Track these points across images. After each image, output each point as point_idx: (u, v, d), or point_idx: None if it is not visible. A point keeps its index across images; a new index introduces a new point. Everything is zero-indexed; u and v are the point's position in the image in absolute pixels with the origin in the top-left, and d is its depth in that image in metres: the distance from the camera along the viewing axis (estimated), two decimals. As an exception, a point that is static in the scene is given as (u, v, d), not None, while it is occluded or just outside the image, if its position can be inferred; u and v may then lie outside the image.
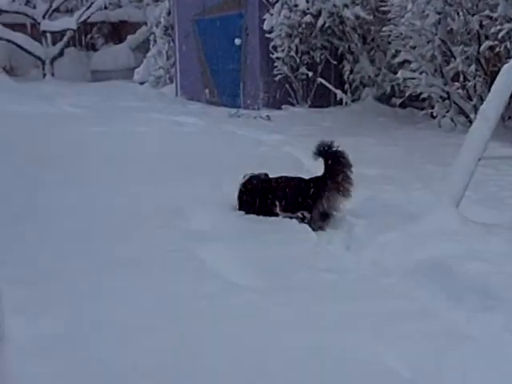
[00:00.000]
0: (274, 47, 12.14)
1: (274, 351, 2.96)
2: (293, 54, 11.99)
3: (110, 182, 6.27)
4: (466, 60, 9.22)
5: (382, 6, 10.70)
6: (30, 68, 21.42)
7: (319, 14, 11.55)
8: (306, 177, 5.19)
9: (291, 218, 5.04)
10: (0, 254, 4.14)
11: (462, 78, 9.47)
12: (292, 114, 11.87)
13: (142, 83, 18.21)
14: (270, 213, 5.12)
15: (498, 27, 8.43)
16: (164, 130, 9.86)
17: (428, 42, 9.53)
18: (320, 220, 4.98)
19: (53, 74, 21.06)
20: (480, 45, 8.97)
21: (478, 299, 3.39)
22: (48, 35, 21.15)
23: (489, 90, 4.88)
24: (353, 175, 4.96)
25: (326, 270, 4.03)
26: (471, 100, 9.38)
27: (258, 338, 3.08)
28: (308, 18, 11.62)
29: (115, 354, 2.91)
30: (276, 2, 11.95)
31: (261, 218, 5.11)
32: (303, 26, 11.80)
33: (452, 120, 9.67)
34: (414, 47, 9.76)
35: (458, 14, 9.24)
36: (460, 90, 9.52)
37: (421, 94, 9.94)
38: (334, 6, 11.27)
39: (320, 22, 11.54)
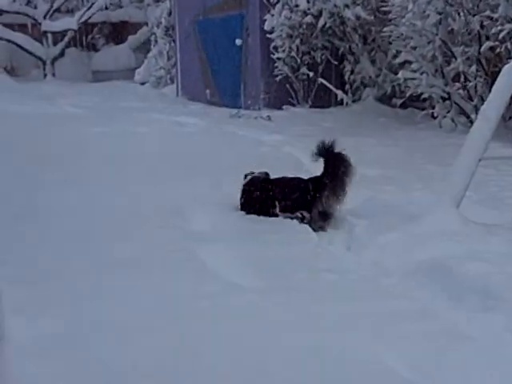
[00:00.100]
0: (275, 48, 12.13)
1: (274, 351, 2.96)
2: (293, 54, 11.98)
3: (110, 182, 6.27)
4: (466, 60, 9.22)
5: (382, 7, 10.69)
6: (30, 68, 21.41)
7: (320, 14, 11.55)
8: (306, 177, 5.20)
9: (291, 218, 5.05)
10: (0, 253, 4.14)
11: (462, 79, 9.46)
12: (293, 115, 11.87)
13: (142, 83, 18.20)
14: (271, 213, 5.13)
15: (499, 28, 8.43)
16: (165, 131, 9.86)
17: (429, 43, 9.53)
18: (320, 220, 4.98)
19: (54, 75, 21.06)
20: (481, 45, 8.96)
21: (479, 299, 3.39)
22: (49, 35, 21.14)
23: (489, 91, 4.87)
24: (355, 175, 4.96)
25: (326, 270, 4.04)
26: (472, 100, 9.38)
27: (258, 338, 3.08)
28: (309, 19, 11.61)
29: (115, 354, 2.91)
30: (277, 2, 11.95)
31: (261, 218, 5.11)
32: (304, 26, 11.80)
33: (453, 120, 9.67)
34: (414, 48, 9.76)
35: (458, 14, 9.23)
36: (461, 91, 9.52)
37: (421, 94, 9.93)
38: (335, 6, 11.26)
39: (321, 22, 11.54)
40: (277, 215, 5.12)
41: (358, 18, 11.30)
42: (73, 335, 3.09)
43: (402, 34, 9.86)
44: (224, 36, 13.79)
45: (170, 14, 17.25)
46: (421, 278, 3.82)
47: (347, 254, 4.51)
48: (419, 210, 4.63)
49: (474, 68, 9.13)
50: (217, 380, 2.75)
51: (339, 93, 11.95)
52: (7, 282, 3.56)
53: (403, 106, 11.21)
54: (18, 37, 20.57)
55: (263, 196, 5.20)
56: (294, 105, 12.52)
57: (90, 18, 21.13)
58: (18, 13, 20.81)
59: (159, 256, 4.21)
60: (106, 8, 21.37)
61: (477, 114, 5.53)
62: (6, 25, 20.46)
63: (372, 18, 11.38)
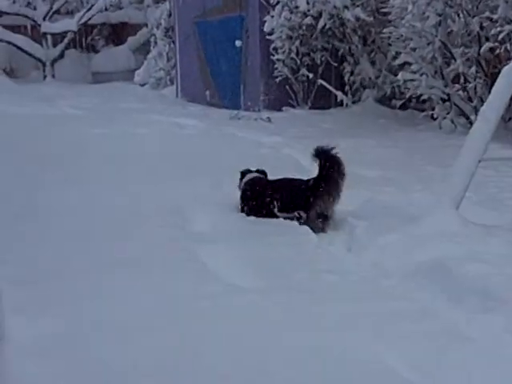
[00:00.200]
0: (275, 49, 12.13)
1: (275, 351, 2.96)
2: (293, 55, 11.98)
3: (111, 182, 6.28)
4: (466, 62, 9.22)
5: (382, 8, 10.69)
6: (30, 70, 21.40)
7: (320, 15, 11.54)
8: (304, 178, 5.22)
9: (288, 218, 5.08)
10: (0, 253, 4.14)
11: (462, 80, 9.46)
12: (292, 116, 11.87)
13: (142, 85, 18.20)
14: (270, 212, 5.15)
15: (499, 29, 8.43)
16: (164, 132, 9.86)
17: (428, 44, 9.53)
18: (319, 222, 5.00)
19: (53, 76, 21.05)
20: (480, 46, 8.96)
21: (479, 300, 3.39)
22: (48, 37, 21.13)
23: (489, 92, 4.88)
24: (347, 176, 4.98)
25: (327, 271, 4.04)
26: (472, 101, 9.38)
27: (259, 338, 3.08)
28: (308, 20, 11.61)
29: (115, 354, 2.91)
30: (276, 3, 11.95)
31: (261, 219, 5.12)
32: (304, 27, 11.80)
33: (452, 121, 9.66)
34: (414, 49, 9.76)
35: (458, 15, 9.23)
36: (460, 92, 9.52)
37: (421, 95, 9.93)
38: (335, 7, 11.26)
39: (320, 23, 11.53)
40: (275, 215, 5.14)
41: (357, 19, 11.29)
42: (73, 335, 3.09)
43: (402, 36, 9.86)
44: (224, 37, 13.79)
45: (169, 15, 17.25)
46: (421, 279, 3.83)
47: (347, 255, 4.52)
48: (419, 211, 4.63)
49: (473, 69, 9.13)
50: (217, 380, 2.75)
51: (339, 94, 11.95)
52: (7, 282, 3.56)
53: (403, 107, 11.21)
54: (18, 38, 20.56)
55: (262, 196, 5.23)
56: (293, 106, 12.51)
57: (89, 19, 21.13)
58: (17, 14, 20.80)
59: (159, 256, 4.22)
60: (106, 9, 21.34)
61: (476, 115, 5.53)
62: (5, 26, 20.45)
63: (372, 19, 11.37)
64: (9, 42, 20.47)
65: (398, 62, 10.20)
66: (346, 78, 12.07)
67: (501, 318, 3.19)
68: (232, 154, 7.83)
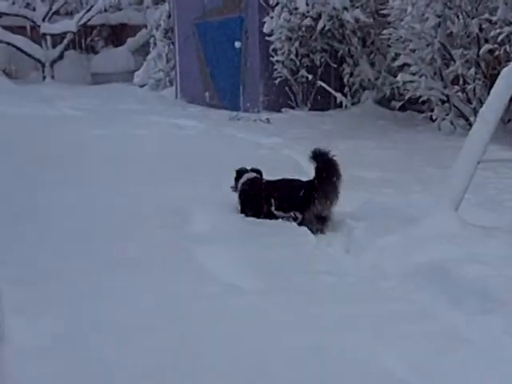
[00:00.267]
0: (274, 50, 12.15)
1: (274, 351, 2.96)
2: (293, 56, 12.00)
3: (110, 182, 6.29)
4: (465, 63, 9.23)
5: (381, 9, 10.70)
6: (29, 70, 21.42)
7: (319, 16, 11.56)
8: (303, 179, 5.23)
9: (284, 217, 5.11)
10: (0, 253, 4.14)
11: (461, 81, 9.48)
12: (292, 117, 11.88)
13: (141, 86, 18.22)
14: (267, 210, 5.18)
15: (498, 30, 8.45)
16: (164, 133, 9.87)
17: (428, 45, 9.55)
18: (318, 223, 5.02)
19: (53, 77, 21.06)
20: (479, 48, 8.98)
21: (478, 302, 3.39)
22: (48, 38, 21.15)
23: (488, 93, 4.88)
24: (343, 178, 4.99)
25: (325, 272, 4.04)
26: (471, 103, 9.39)
27: (258, 339, 3.08)
28: (308, 21, 11.63)
29: (115, 355, 2.91)
30: (276, 5, 11.96)
31: (260, 220, 5.13)
32: (303, 28, 11.82)
33: (451, 123, 9.68)
34: (413, 50, 9.77)
35: (457, 17, 9.25)
36: (459, 93, 9.53)
37: (420, 97, 9.95)
38: (334, 8, 11.27)
39: (320, 24, 11.55)
40: (273, 214, 5.16)
41: (357, 20, 11.31)
42: (73, 335, 3.10)
43: (401, 37, 9.88)
44: (223, 38, 13.80)
45: (169, 16, 17.27)
46: (420, 280, 3.83)
47: (346, 256, 4.52)
48: (418, 213, 4.63)
49: (472, 71, 9.14)
50: (217, 380, 2.75)
51: (338, 95, 11.96)
52: (7, 282, 3.55)
53: (402, 108, 11.22)
54: (17, 39, 20.58)
55: (260, 195, 5.27)
56: (293, 107, 12.53)
57: (89, 20, 21.15)
58: (17, 15, 20.83)
59: (159, 256, 4.22)
60: (105, 10, 21.37)
61: (476, 116, 5.53)
62: (5, 27, 20.48)
63: (371, 20, 11.39)
64: (8, 43, 20.49)
65: (397, 63, 10.21)
66: (345, 80, 12.08)
67: (500, 319, 3.20)
68: (231, 154, 7.84)
